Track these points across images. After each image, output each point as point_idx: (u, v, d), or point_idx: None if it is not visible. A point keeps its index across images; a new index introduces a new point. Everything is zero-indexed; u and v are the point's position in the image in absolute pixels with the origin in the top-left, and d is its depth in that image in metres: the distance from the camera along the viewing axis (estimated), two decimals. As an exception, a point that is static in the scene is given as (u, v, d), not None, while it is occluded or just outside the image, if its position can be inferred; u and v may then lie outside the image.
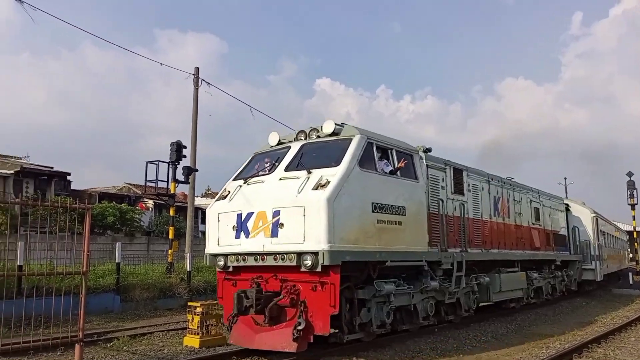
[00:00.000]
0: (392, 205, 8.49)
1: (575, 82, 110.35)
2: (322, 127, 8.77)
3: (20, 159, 35.06)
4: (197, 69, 20.14)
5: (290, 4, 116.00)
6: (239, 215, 8.15)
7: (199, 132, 19.83)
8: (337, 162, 7.92)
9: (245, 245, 8.00)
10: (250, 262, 8.00)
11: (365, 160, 8.24)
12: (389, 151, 8.98)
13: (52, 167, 33.27)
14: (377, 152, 8.73)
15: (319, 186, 7.56)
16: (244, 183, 8.67)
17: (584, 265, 19.10)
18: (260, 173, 8.74)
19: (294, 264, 7.48)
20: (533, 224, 15.56)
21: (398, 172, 8.89)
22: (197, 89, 19.86)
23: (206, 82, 20.13)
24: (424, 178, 9.99)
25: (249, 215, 8.01)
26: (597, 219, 19.94)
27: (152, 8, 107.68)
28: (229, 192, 8.80)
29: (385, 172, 8.74)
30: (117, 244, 15.32)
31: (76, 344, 6.91)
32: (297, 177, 7.99)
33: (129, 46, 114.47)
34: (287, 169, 8.38)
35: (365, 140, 8.43)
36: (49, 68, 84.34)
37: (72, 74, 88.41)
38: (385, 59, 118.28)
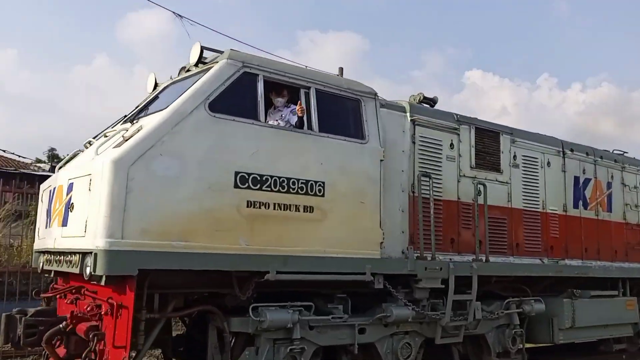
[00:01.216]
0: (289, 179, 5.03)
1: None
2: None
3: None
4: (341, 69, 19.30)
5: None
6: (51, 192, 5.38)
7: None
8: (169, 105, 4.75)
9: (47, 238, 5.22)
10: (55, 265, 5.18)
11: (228, 100, 4.87)
12: (302, 91, 5.45)
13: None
14: (275, 93, 5.35)
15: (125, 142, 4.50)
16: (89, 144, 5.90)
17: None
18: (108, 130, 5.88)
19: (77, 270, 4.51)
20: (663, 222, 10.29)
21: (314, 125, 5.34)
22: (341, 88, 19.19)
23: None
24: (404, 141, 6.29)
25: (53, 191, 5.22)
26: None
27: (294, 10, 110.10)
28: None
29: (292, 125, 5.31)
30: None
31: None
32: (116, 131, 5.02)
33: (272, 50, 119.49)
34: (126, 120, 5.42)
35: (236, 69, 5.03)
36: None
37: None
38: (549, 43, 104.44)
